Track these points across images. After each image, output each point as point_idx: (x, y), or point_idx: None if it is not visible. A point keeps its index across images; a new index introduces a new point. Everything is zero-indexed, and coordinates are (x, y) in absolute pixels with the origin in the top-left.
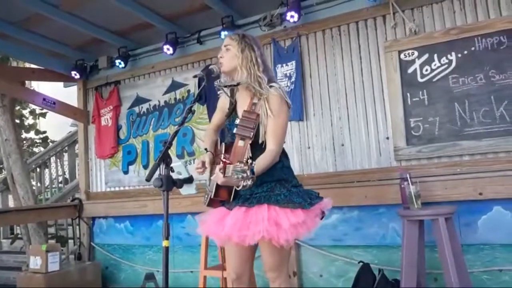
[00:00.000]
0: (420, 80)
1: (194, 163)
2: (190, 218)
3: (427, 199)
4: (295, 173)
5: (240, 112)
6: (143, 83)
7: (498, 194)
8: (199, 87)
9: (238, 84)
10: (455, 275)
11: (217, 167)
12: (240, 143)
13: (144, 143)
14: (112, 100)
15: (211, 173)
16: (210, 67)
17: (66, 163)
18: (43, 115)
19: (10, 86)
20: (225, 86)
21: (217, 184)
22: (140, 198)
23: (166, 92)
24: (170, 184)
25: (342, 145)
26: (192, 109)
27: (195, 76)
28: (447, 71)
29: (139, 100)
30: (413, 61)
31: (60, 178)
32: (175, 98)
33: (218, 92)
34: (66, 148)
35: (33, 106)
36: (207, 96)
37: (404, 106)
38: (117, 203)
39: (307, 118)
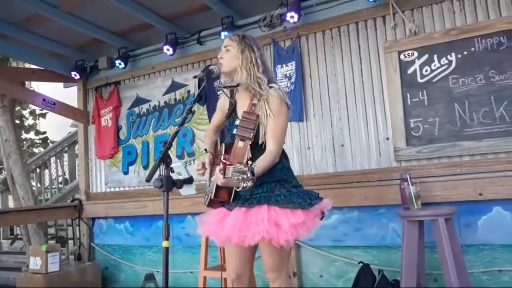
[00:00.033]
0: (420, 80)
1: (194, 163)
2: (190, 219)
3: (427, 199)
4: (295, 173)
5: (240, 113)
6: (143, 84)
7: (498, 195)
8: (199, 87)
9: (238, 85)
10: (455, 275)
11: (217, 168)
12: (240, 144)
13: (144, 143)
14: (112, 100)
15: (211, 174)
16: (210, 67)
17: (66, 163)
18: (43, 115)
19: (10, 87)
20: (225, 87)
21: (217, 185)
22: (140, 199)
23: (166, 92)
24: (170, 185)
25: (342, 145)
26: (192, 109)
27: (195, 77)
28: (447, 72)
29: (139, 101)
30: (413, 62)
31: (60, 179)
32: (175, 99)
33: (218, 93)
34: (66, 148)
35: (33, 107)
36: (207, 96)
37: (404, 107)
38: (117, 203)
39: (307, 118)
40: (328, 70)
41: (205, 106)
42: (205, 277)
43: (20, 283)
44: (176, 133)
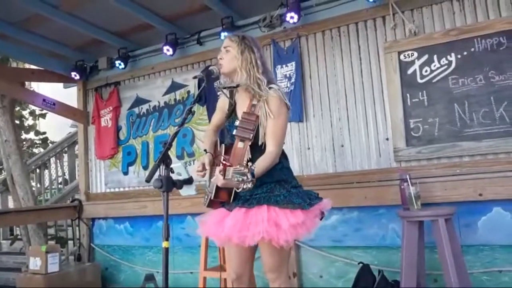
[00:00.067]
0: (419, 81)
1: (194, 164)
2: (190, 219)
3: (427, 200)
4: (295, 174)
5: (239, 113)
6: (143, 84)
7: (498, 195)
8: (199, 88)
9: (237, 86)
10: (455, 276)
11: (217, 169)
12: (239, 144)
13: (144, 144)
14: (112, 101)
15: (211, 174)
16: (210, 68)
17: (65, 164)
18: (43, 116)
19: (10, 87)
20: (225, 88)
21: (217, 186)
22: (140, 199)
23: (166, 93)
24: (170, 185)
25: (342, 146)
26: (192, 110)
27: (195, 77)
28: (446, 72)
29: (139, 101)
30: (412, 62)
31: (60, 179)
32: (175, 99)
33: (218, 93)
34: (66, 149)
35: (32, 107)
36: (207, 97)
37: (403, 107)
38: (116, 204)
39: (307, 119)
40: (328, 71)
41: (205, 106)
42: (205, 278)
43: (20, 284)
44: (176, 134)
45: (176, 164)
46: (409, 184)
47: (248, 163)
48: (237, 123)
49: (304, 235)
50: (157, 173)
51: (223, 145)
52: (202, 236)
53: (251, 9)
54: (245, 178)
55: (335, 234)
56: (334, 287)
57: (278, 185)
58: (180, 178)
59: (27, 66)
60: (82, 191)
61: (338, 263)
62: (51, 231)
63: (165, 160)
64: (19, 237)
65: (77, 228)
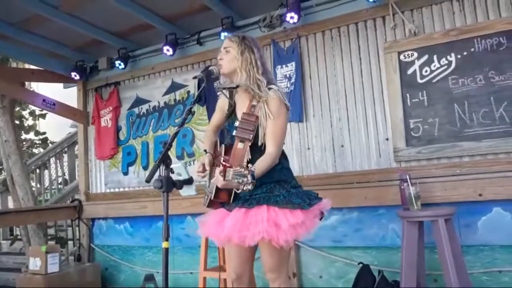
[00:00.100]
0: (419, 81)
1: (194, 164)
2: (190, 219)
3: (426, 200)
4: (295, 174)
5: (239, 114)
6: (143, 84)
7: (497, 195)
8: (198, 88)
9: (237, 86)
10: (455, 276)
11: (217, 170)
12: (239, 145)
13: (144, 144)
14: (112, 101)
15: (211, 175)
16: (210, 68)
17: (65, 164)
18: (43, 116)
19: (10, 87)
20: (224, 88)
21: (217, 186)
22: (140, 199)
23: (166, 93)
24: (170, 185)
25: (342, 146)
26: (192, 110)
27: (195, 77)
28: (446, 72)
29: (139, 101)
30: (412, 62)
31: (60, 179)
32: (174, 99)
33: (218, 93)
34: (66, 149)
35: (32, 107)
36: (206, 97)
37: (403, 107)
38: (116, 204)
39: (306, 119)
40: (328, 71)
41: (205, 106)
42: (205, 278)
43: (20, 284)
44: (176, 134)
45: (176, 165)
46: (409, 184)
47: (248, 165)
48: (236, 123)
49: (304, 235)
50: (157, 174)
51: (223, 146)
52: (202, 236)
53: (251, 9)
54: (245, 179)
55: (335, 234)
56: (334, 287)
57: (277, 185)
58: (180, 178)
59: (27, 66)
60: (82, 191)
61: (338, 263)
62: (51, 231)
63: (165, 160)
64: (19, 237)
65: (77, 228)
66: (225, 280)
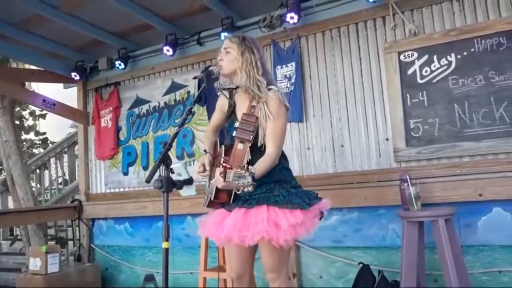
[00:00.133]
0: (419, 81)
1: (194, 164)
2: (190, 220)
3: (426, 200)
4: (295, 174)
5: (239, 114)
6: (143, 84)
7: (498, 195)
8: (199, 88)
9: (237, 87)
10: (455, 276)
11: (218, 171)
12: (239, 146)
13: (144, 144)
14: (112, 101)
15: (211, 175)
16: (210, 68)
17: (65, 164)
18: (43, 116)
19: (10, 87)
20: (224, 89)
21: (217, 187)
22: (140, 200)
23: (166, 93)
24: (170, 186)
25: (342, 146)
26: (192, 110)
27: (195, 78)
28: (446, 72)
29: (139, 101)
30: (412, 62)
31: (60, 180)
32: (175, 99)
33: (218, 93)
34: (66, 149)
35: (32, 108)
36: (207, 97)
37: (403, 107)
38: (116, 204)
39: (306, 119)
40: (328, 71)
41: (205, 107)
42: (205, 278)
43: (20, 284)
44: (176, 134)
45: (176, 165)
46: (409, 184)
47: (249, 167)
48: (236, 124)
49: (304, 235)
50: (157, 174)
51: (223, 146)
52: (202, 236)
53: (251, 10)
54: (245, 181)
55: (335, 234)
56: (334, 287)
57: (277, 185)
58: (180, 178)
59: (27, 66)
60: (82, 192)
61: (338, 263)
62: (51, 231)
63: (165, 160)
64: (19, 237)
65: (77, 228)
66: (225, 280)
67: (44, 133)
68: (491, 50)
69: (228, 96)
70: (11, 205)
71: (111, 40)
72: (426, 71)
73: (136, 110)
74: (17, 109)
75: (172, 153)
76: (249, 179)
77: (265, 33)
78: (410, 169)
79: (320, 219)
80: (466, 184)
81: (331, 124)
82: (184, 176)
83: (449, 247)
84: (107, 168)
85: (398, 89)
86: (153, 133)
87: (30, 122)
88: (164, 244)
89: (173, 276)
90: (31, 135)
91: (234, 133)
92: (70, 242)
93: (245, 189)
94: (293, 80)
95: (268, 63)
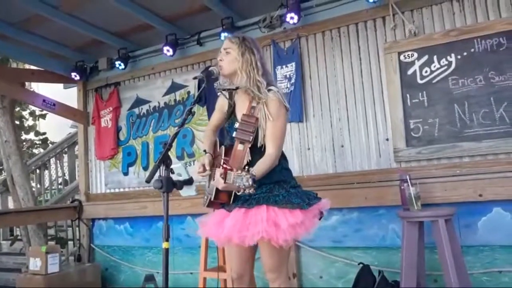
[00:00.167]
0: (419, 81)
1: (194, 164)
2: (190, 220)
3: (427, 200)
4: (295, 174)
5: (239, 115)
6: (143, 85)
7: (498, 196)
8: (199, 88)
9: (237, 88)
10: (455, 276)
11: (218, 172)
12: (239, 146)
13: (144, 144)
14: (112, 101)
15: (211, 175)
16: (210, 68)
17: (65, 164)
18: (43, 116)
19: (10, 88)
20: (224, 90)
21: (217, 188)
22: (140, 200)
23: (166, 93)
24: (170, 186)
25: (342, 146)
26: (192, 110)
27: (195, 78)
28: (446, 73)
29: (139, 102)
30: (412, 63)
31: (60, 180)
32: (175, 100)
33: (218, 93)
34: (66, 149)
35: (32, 108)
36: (207, 97)
37: (403, 108)
38: (117, 204)
39: (306, 119)
40: (328, 71)
41: (205, 107)
42: (205, 278)
43: (20, 284)
44: (176, 134)
45: (176, 165)
46: (409, 184)
47: (250, 169)
48: (236, 125)
49: (303, 235)
50: (157, 174)
51: (222, 147)
52: (202, 237)
53: (251, 10)
54: (246, 184)
55: (335, 234)
56: (334, 287)
57: (277, 185)
58: (180, 178)
59: (27, 66)
60: (82, 192)
61: (338, 263)
62: (51, 231)
63: (165, 160)
64: (19, 237)
65: (77, 228)
66: (225, 280)
67: (44, 133)
68: (491, 50)
69: (227, 97)
70: (11, 205)
71: (111, 40)
72: (426, 71)
73: (136, 110)
74: (17, 109)
75: (172, 153)
76: (250, 181)
77: (265, 33)
78: (410, 169)
79: (319, 219)
80: (466, 184)
81: (331, 124)
82: (184, 176)
83: (449, 247)
84: (107, 168)
85: (398, 89)
86: (153, 133)
87: (30, 122)
88: (164, 244)
89: (173, 276)
90: (31, 135)
91: (234, 134)
92: (70, 242)
93: (246, 191)
94: (293, 80)
95: (268, 63)
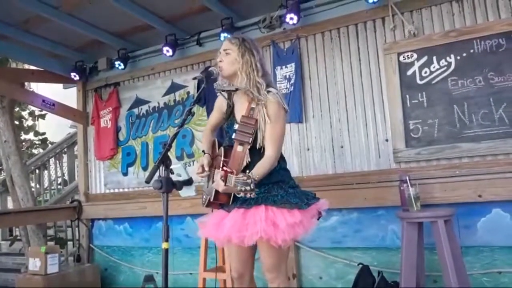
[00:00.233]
0: (419, 82)
1: (193, 164)
2: (190, 220)
3: (426, 201)
4: (294, 175)
5: (238, 116)
6: (142, 85)
7: (497, 196)
8: (198, 89)
9: (236, 89)
10: (454, 277)
11: (218, 174)
12: (239, 148)
13: (144, 144)
14: (112, 101)
15: (210, 175)
16: (210, 69)
17: (65, 164)
18: (43, 116)
19: (9, 88)
20: (223, 91)
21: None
22: (140, 200)
23: (166, 93)
24: (169, 186)
25: (342, 147)
26: (192, 111)
27: (194, 78)
28: (446, 74)
29: (138, 102)
30: (412, 63)
31: (59, 180)
32: (174, 100)
33: (217, 94)
34: (65, 149)
35: (32, 108)
36: (206, 98)
37: (403, 108)
38: (116, 205)
39: (306, 120)
40: (327, 72)
41: (204, 107)
42: (204, 279)
43: (19, 284)
44: (175, 135)
45: (175, 165)
46: (409, 185)
47: (251, 173)
48: (236, 126)
49: (302, 234)
50: (156, 174)
51: (222, 148)
52: (202, 237)
53: (251, 10)
54: (248, 188)
55: (334, 235)
56: None
57: (275, 185)
58: (180, 179)
59: (26, 66)
60: (81, 192)
61: (338, 264)
62: (51, 232)
63: (164, 161)
64: (18, 238)
65: (76, 229)
66: (224, 280)
67: (44, 133)
68: (491, 51)
69: (226, 97)
70: (10, 205)
71: (111, 40)
72: (425, 72)
73: (135, 111)
74: (17, 109)
75: (171, 154)
76: (252, 186)
77: (264, 34)
78: (410, 170)
79: (318, 219)
80: (465, 185)
81: (330, 124)
82: (184, 177)
83: (449, 248)
84: (107, 168)
85: (397, 90)
86: (153, 133)
87: (29, 122)
88: (164, 245)
89: (172, 276)
90: (31, 135)
91: (233, 135)
92: (70, 243)
93: (247, 195)
94: (292, 81)
95: (268, 63)
